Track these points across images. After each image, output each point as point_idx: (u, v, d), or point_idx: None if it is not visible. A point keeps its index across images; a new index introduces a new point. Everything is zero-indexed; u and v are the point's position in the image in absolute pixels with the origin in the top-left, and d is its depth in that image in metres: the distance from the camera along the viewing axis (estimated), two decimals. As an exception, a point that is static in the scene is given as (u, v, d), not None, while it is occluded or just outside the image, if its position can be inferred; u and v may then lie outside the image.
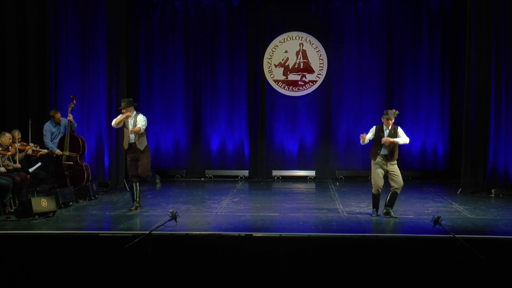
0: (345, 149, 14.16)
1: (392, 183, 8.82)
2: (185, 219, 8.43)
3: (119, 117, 9.59)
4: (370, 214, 9.00)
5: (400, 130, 8.93)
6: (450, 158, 14.03)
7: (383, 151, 8.81)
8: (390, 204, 8.84)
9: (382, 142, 8.74)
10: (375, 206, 8.99)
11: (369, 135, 8.95)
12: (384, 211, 8.85)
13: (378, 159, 8.81)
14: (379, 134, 8.86)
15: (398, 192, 8.84)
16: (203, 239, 7.40)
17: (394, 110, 8.95)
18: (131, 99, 9.91)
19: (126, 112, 9.50)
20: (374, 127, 9.01)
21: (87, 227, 8.52)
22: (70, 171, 10.62)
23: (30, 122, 10.60)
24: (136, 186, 9.56)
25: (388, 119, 8.84)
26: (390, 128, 8.85)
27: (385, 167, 8.82)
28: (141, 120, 9.51)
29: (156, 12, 14.19)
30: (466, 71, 11.69)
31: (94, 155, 12.06)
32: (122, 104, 9.64)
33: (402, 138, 8.86)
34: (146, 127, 9.68)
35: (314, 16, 14.10)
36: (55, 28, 11.82)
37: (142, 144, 9.55)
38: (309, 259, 7.05)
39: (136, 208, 9.49)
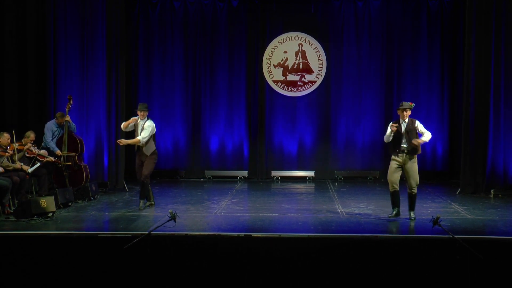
0: (344, 150, 14.15)
1: (408, 182, 8.60)
2: (184, 220, 8.44)
3: (128, 120, 9.79)
4: (388, 215, 8.81)
5: (418, 124, 8.67)
6: (449, 158, 14.03)
7: (403, 146, 8.58)
8: (411, 208, 8.68)
9: (412, 144, 8.52)
10: (394, 205, 8.77)
11: (389, 131, 8.69)
12: (412, 216, 8.65)
13: (398, 154, 8.62)
14: (396, 128, 8.61)
15: (415, 192, 8.60)
16: (202, 240, 7.40)
17: (410, 103, 8.72)
18: (146, 104, 10.07)
19: (141, 115, 9.71)
20: (391, 122, 8.77)
21: (86, 228, 8.52)
22: (69, 172, 10.61)
23: (45, 127, 10.71)
24: (148, 186, 9.84)
25: (403, 111, 8.59)
26: (407, 121, 8.61)
27: (403, 162, 8.60)
28: (146, 129, 9.66)
29: (155, 12, 14.19)
30: (465, 71, 11.70)
31: (93, 155, 12.05)
32: (140, 107, 9.79)
33: (426, 135, 8.63)
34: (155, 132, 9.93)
35: (313, 17, 14.10)
36: (54, 28, 11.81)
37: (149, 149, 9.73)
38: (308, 260, 7.05)
39: (149, 206, 9.87)
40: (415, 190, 8.64)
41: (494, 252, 6.96)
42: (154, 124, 9.85)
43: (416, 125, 8.67)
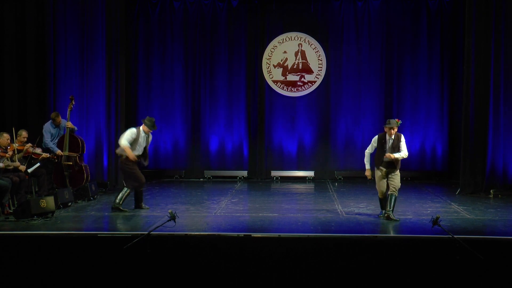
0: (344, 150, 14.16)
1: (390, 185, 8.79)
2: (184, 220, 8.43)
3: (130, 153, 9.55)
4: (378, 215, 9.01)
5: (402, 140, 8.83)
6: (449, 158, 14.04)
7: (387, 160, 8.75)
8: (390, 207, 8.75)
9: (384, 158, 8.71)
10: (383, 208, 8.97)
11: (371, 148, 8.94)
12: (385, 214, 8.76)
13: (382, 167, 8.79)
14: (381, 143, 8.80)
15: (396, 194, 8.75)
16: (202, 240, 7.40)
17: (396, 120, 8.87)
18: (154, 120, 9.78)
19: (147, 131, 9.59)
20: (376, 137, 8.95)
21: (86, 228, 8.51)
22: (70, 172, 10.61)
23: (38, 139, 10.62)
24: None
25: (390, 129, 8.74)
26: (393, 137, 8.78)
27: (385, 174, 8.80)
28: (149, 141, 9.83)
29: (155, 12, 14.19)
30: (465, 71, 11.69)
31: (93, 155, 12.05)
32: (149, 124, 9.57)
33: (402, 153, 8.77)
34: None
35: (313, 17, 14.11)
36: (54, 28, 11.81)
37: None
38: (308, 260, 7.05)
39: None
40: (396, 193, 8.75)
41: (494, 252, 6.96)
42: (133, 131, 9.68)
43: (400, 140, 8.83)
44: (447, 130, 14.06)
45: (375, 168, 8.91)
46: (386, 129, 8.84)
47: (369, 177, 9.08)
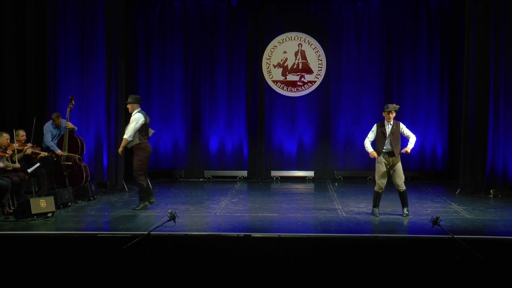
0: (344, 149, 14.17)
1: (396, 181, 8.92)
2: (184, 220, 8.43)
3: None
4: (371, 214, 9.07)
5: (403, 126, 9.02)
6: (449, 158, 14.04)
7: (387, 148, 8.89)
8: (405, 205, 9.00)
9: (404, 151, 8.92)
10: (376, 205, 9.07)
11: (371, 136, 9.07)
12: (405, 212, 8.96)
13: (382, 155, 8.90)
14: (381, 130, 8.94)
15: (403, 189, 8.93)
16: (202, 240, 7.40)
17: (395, 105, 9.01)
18: (138, 96, 9.87)
19: (130, 108, 9.59)
20: (375, 125, 9.10)
21: (85, 228, 8.51)
22: (69, 172, 10.61)
23: (34, 120, 10.58)
24: (141, 184, 9.63)
25: (389, 112, 8.89)
26: (392, 123, 8.91)
27: (389, 163, 8.92)
28: (129, 123, 9.54)
29: (155, 12, 14.19)
30: (465, 71, 11.70)
31: (93, 155, 12.05)
32: (129, 100, 9.67)
33: (412, 137, 8.98)
34: (143, 124, 9.50)
35: (313, 17, 14.12)
36: (54, 28, 11.81)
37: (131, 143, 9.54)
38: (308, 260, 7.05)
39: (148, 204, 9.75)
40: (402, 187, 8.95)
41: (494, 252, 6.96)
42: (139, 116, 9.51)
43: (400, 128, 8.99)
44: (447, 130, 14.06)
45: (376, 158, 8.98)
46: (384, 114, 8.99)
47: (375, 156, 9.00)
